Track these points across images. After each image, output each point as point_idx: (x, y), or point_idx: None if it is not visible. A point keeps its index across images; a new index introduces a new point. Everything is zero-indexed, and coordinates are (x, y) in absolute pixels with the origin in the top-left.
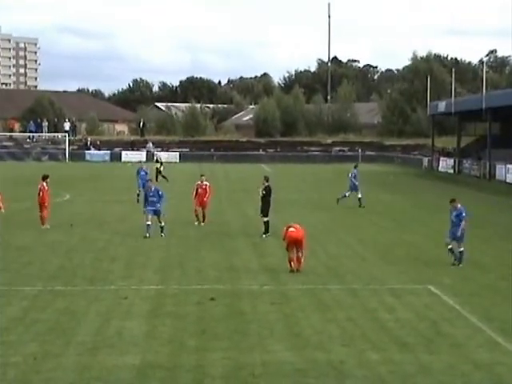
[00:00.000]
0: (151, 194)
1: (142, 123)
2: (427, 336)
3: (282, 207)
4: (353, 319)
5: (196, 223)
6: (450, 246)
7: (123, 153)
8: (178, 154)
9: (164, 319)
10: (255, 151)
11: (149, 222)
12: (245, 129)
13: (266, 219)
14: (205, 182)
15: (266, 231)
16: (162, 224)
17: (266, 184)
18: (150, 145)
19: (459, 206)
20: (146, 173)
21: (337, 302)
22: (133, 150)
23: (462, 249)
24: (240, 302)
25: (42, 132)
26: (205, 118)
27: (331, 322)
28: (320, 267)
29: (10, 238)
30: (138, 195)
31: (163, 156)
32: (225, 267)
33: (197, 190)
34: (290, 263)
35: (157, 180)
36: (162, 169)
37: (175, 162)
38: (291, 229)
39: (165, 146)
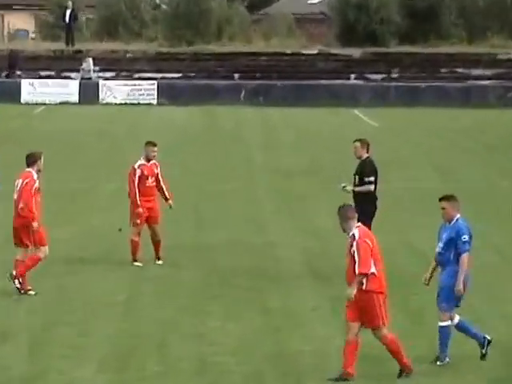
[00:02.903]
0: None
1: (68, 13)
2: None
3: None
4: None
5: (137, 264)
6: (446, 323)
7: (24, 85)
8: (154, 85)
9: None
10: (340, 79)
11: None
12: (314, 26)
13: None
14: (153, 161)
15: None
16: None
17: (365, 158)
18: (90, 63)
19: (457, 216)
20: None
21: None
22: (51, 78)
23: (456, 320)
24: None
25: None
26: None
27: None
28: None
29: None
30: None
31: (119, 90)
32: None
33: (139, 178)
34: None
35: None
36: None
37: (149, 105)
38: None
39: (123, 68)
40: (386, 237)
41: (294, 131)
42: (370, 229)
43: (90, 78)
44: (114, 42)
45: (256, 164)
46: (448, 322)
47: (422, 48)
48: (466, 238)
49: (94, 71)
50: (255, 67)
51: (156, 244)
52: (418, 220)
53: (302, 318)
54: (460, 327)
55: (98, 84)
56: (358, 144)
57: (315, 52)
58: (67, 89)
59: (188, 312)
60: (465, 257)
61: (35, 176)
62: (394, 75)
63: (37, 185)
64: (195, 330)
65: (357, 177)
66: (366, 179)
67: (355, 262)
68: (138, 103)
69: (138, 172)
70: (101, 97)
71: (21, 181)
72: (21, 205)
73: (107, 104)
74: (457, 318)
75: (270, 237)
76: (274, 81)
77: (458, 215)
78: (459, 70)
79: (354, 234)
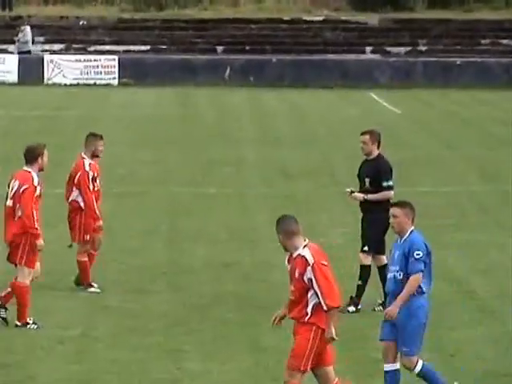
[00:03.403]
0: None
1: None
2: None
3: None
4: None
5: (93, 289)
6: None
7: None
8: (114, 60)
9: None
10: (353, 53)
11: None
12: None
13: (367, 260)
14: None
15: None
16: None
17: (377, 155)
18: (27, 32)
19: (410, 229)
20: None
21: None
22: None
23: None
24: None
25: None
26: None
27: None
28: None
29: None
30: None
31: (69, 67)
32: None
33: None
34: None
35: None
36: None
37: (108, 86)
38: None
39: (75, 39)
40: None
41: (294, 120)
42: (383, 244)
43: (28, 52)
44: (63, 5)
45: (246, 163)
46: (419, 366)
47: (456, 14)
48: (419, 254)
49: (36, 43)
50: (244, 38)
51: (92, 258)
52: (449, 233)
53: None
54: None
55: (42, 59)
56: (366, 137)
57: (321, 19)
58: (3, 66)
59: (159, 351)
60: (413, 278)
61: (36, 179)
62: (422, 48)
63: (38, 192)
64: (168, 374)
65: (367, 180)
66: (385, 183)
67: (317, 295)
68: (94, 84)
69: (90, 174)
70: (46, 76)
71: (17, 183)
72: (20, 213)
73: (54, 85)
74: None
75: (263, 255)
76: (268, 55)
77: (412, 227)
78: (504, 41)
79: (304, 257)
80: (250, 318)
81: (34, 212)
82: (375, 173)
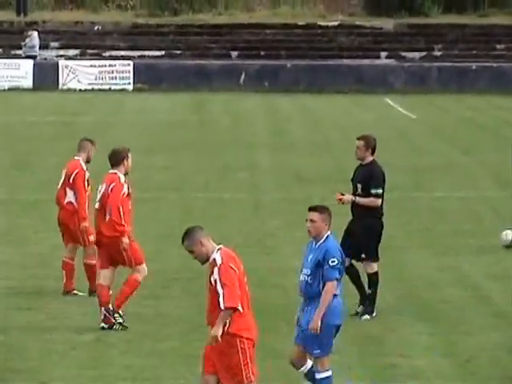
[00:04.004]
0: None
1: None
2: None
3: None
4: None
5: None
6: (325, 373)
7: None
8: (129, 66)
9: None
10: (368, 58)
11: None
12: None
13: (373, 268)
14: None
15: (371, 303)
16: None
17: (370, 161)
18: (35, 37)
19: (326, 234)
20: None
21: None
22: None
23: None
24: None
25: None
26: None
27: None
28: None
29: None
30: None
31: (84, 73)
32: None
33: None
34: None
35: None
36: None
37: (123, 91)
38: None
39: (90, 44)
40: (425, 261)
41: (308, 125)
42: (377, 254)
43: (35, 57)
44: (78, 10)
45: (261, 168)
46: (327, 372)
47: (471, 19)
48: (334, 261)
49: (51, 48)
50: (258, 43)
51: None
52: (464, 238)
53: None
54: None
55: (57, 65)
56: (361, 143)
57: (336, 24)
58: (18, 71)
59: (173, 357)
60: (330, 285)
61: (122, 178)
62: (437, 53)
63: (126, 190)
64: (182, 380)
65: (359, 185)
66: (373, 191)
67: (218, 294)
68: (109, 89)
69: (87, 174)
70: (61, 81)
71: (105, 185)
72: (108, 216)
73: (69, 90)
74: (309, 364)
75: (278, 261)
76: (283, 60)
77: (329, 232)
78: None
79: (214, 259)
80: (265, 324)
81: (121, 208)
82: (366, 179)
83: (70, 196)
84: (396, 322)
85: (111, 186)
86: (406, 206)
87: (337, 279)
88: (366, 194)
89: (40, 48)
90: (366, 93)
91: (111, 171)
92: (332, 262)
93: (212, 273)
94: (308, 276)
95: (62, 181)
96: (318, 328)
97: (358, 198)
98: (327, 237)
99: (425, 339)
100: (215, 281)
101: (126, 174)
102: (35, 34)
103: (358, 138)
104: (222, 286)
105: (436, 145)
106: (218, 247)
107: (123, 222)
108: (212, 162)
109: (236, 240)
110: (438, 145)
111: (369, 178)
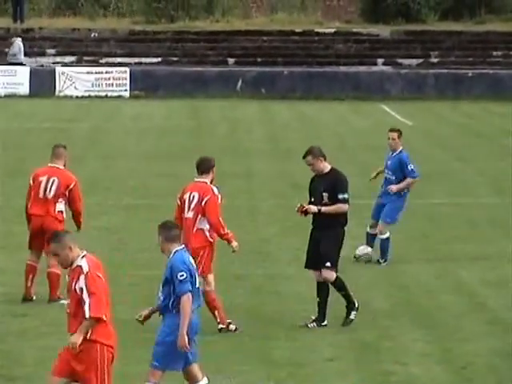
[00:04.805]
0: None
1: None
2: None
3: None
4: None
5: None
6: None
7: None
8: (126, 73)
9: None
10: (364, 65)
11: None
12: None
13: (333, 276)
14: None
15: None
16: None
17: (330, 169)
18: (18, 44)
19: (173, 251)
20: None
21: None
22: None
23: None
24: None
25: None
26: None
27: None
28: None
29: None
30: None
31: (81, 79)
32: None
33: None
34: None
35: None
36: None
37: (120, 98)
38: None
39: (87, 51)
40: (421, 267)
41: (305, 132)
42: (337, 264)
43: (20, 64)
44: (75, 17)
45: (257, 175)
46: None
47: (468, 26)
48: (182, 275)
49: (48, 55)
50: (255, 50)
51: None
52: (460, 245)
53: (315, 371)
54: None
55: (54, 71)
56: (309, 159)
57: (332, 31)
58: (15, 78)
59: None
60: (185, 299)
61: (215, 189)
62: (433, 60)
63: (219, 200)
64: None
65: (325, 194)
66: (341, 196)
67: (83, 303)
68: (106, 96)
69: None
70: (57, 88)
71: (196, 195)
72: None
73: (66, 97)
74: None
75: (274, 268)
76: (280, 67)
77: (177, 247)
78: None
79: (80, 266)
80: (261, 331)
81: (221, 219)
82: (332, 186)
83: (60, 206)
84: (392, 328)
85: (206, 198)
86: (403, 213)
87: (190, 291)
88: (334, 201)
89: (34, 55)
90: (363, 100)
91: (200, 180)
92: (181, 276)
93: (77, 280)
94: (161, 292)
95: (45, 190)
96: (186, 343)
97: (323, 207)
98: (175, 252)
99: (421, 346)
100: (81, 289)
101: (211, 182)
102: (17, 41)
103: (304, 156)
104: (88, 295)
105: (432, 152)
106: (82, 254)
107: (226, 231)
108: None
109: None
110: (435, 152)
111: (334, 185)
